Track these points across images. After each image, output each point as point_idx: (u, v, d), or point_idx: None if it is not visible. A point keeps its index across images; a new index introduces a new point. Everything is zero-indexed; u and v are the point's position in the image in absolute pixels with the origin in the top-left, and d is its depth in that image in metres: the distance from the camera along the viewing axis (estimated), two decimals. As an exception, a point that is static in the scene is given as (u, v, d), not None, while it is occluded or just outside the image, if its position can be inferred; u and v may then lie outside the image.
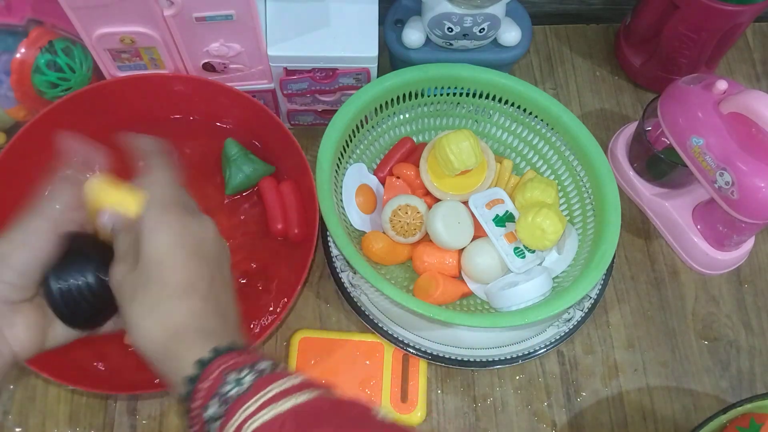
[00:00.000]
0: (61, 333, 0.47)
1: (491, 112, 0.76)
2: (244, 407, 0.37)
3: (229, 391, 0.38)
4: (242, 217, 0.72)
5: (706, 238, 0.74)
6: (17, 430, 0.66)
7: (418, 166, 0.73)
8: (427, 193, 0.73)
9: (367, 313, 0.67)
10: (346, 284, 0.68)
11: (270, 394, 0.38)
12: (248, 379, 0.39)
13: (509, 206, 0.71)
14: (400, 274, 0.72)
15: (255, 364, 0.39)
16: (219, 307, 0.44)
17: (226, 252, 0.48)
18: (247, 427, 0.37)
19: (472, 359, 0.67)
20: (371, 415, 0.39)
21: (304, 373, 0.41)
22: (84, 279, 0.45)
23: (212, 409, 0.38)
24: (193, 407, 0.39)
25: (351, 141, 0.71)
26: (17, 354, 0.44)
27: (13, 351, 0.44)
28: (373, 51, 0.67)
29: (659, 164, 0.74)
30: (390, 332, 0.67)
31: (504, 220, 0.70)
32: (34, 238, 0.44)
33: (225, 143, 0.70)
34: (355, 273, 0.69)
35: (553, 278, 0.70)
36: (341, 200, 0.70)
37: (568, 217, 0.73)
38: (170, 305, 0.42)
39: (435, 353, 0.67)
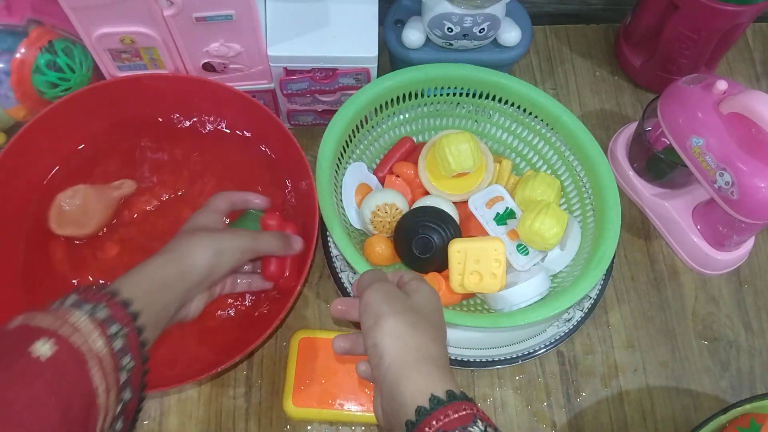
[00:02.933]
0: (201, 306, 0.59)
1: (491, 112, 0.76)
2: None
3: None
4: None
5: (706, 238, 0.74)
6: (17, 430, 0.66)
7: (417, 164, 0.73)
8: (427, 193, 0.73)
9: (367, 313, 0.67)
10: (346, 284, 0.68)
11: None
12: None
13: (509, 203, 0.71)
14: (400, 274, 0.72)
15: (498, 429, 0.43)
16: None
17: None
18: None
19: (472, 359, 0.67)
20: None
21: None
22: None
23: None
24: (431, 424, 0.42)
25: (351, 141, 0.71)
26: (188, 316, 0.57)
27: (189, 315, 0.57)
28: (373, 51, 0.67)
29: (659, 164, 0.74)
30: (390, 332, 0.67)
31: (505, 217, 0.70)
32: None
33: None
34: (355, 273, 0.69)
35: (553, 277, 0.70)
36: (341, 200, 0.70)
37: (568, 217, 0.73)
38: (434, 338, 0.48)
39: (435, 353, 0.67)
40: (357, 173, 0.72)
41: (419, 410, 0.43)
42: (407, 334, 0.47)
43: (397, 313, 0.48)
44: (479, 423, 0.42)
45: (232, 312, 0.67)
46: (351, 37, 0.67)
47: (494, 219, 0.70)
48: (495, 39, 0.73)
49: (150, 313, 0.49)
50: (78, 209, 0.66)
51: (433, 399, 0.43)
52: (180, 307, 0.54)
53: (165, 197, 0.70)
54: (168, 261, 0.53)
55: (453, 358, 0.67)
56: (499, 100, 0.74)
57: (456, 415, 0.42)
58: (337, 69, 0.69)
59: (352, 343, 0.52)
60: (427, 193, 0.73)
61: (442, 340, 0.49)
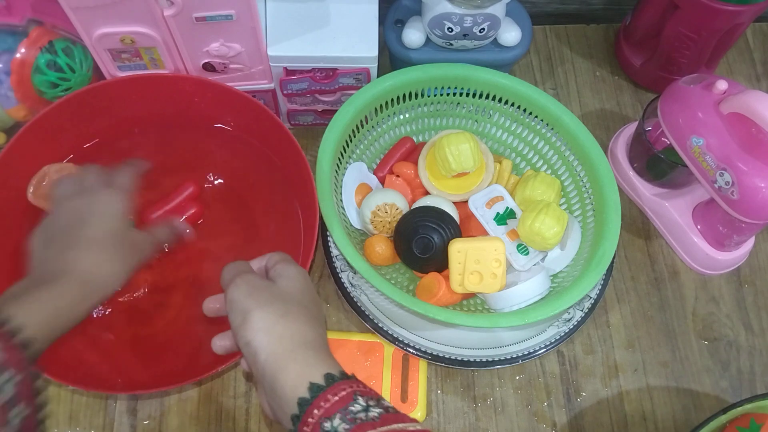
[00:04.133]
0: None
1: (491, 112, 0.76)
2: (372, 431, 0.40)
3: (358, 412, 0.41)
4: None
5: (706, 238, 0.74)
6: (17, 430, 0.66)
7: (417, 164, 0.73)
8: (427, 193, 0.73)
9: (367, 313, 0.67)
10: (346, 284, 0.68)
11: (398, 428, 0.41)
12: (376, 410, 0.42)
13: (509, 202, 0.71)
14: (401, 275, 0.72)
15: (381, 400, 0.43)
16: (329, 349, 0.48)
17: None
18: None
19: (472, 359, 0.67)
20: None
21: (423, 424, 0.45)
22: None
23: (337, 422, 0.41)
24: (313, 413, 0.41)
25: (351, 141, 0.71)
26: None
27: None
28: (373, 51, 0.67)
29: (659, 164, 0.74)
30: (390, 332, 0.67)
31: (505, 217, 0.70)
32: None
33: None
34: (355, 273, 0.69)
35: (554, 277, 0.70)
36: (341, 200, 0.70)
37: (568, 217, 0.73)
38: (306, 323, 0.47)
39: (435, 353, 0.67)
40: (357, 173, 0.72)
41: (300, 402, 0.42)
42: (277, 324, 0.45)
43: (264, 305, 0.46)
44: (360, 399, 0.42)
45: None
46: (351, 37, 0.67)
47: (494, 219, 0.70)
48: (495, 39, 0.73)
49: (46, 341, 0.47)
50: None
51: (312, 387, 0.42)
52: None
53: (164, 196, 0.70)
54: (69, 288, 0.51)
55: (453, 358, 0.67)
56: (499, 100, 0.74)
57: (336, 398, 0.42)
58: (337, 69, 0.69)
59: (230, 340, 0.51)
60: (427, 193, 0.73)
61: (316, 322, 0.48)
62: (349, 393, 0.42)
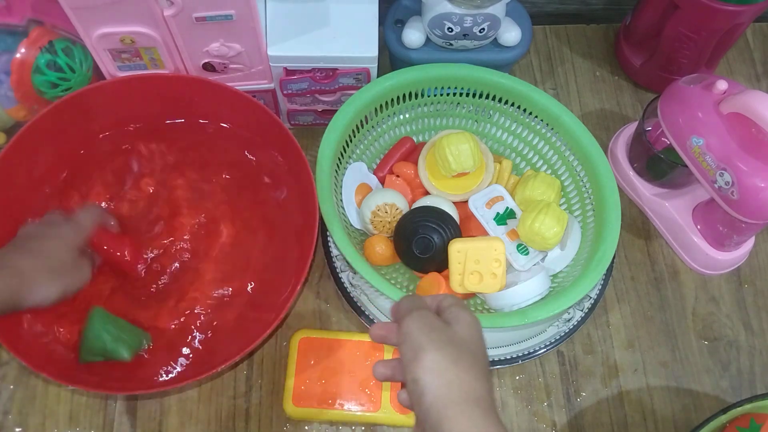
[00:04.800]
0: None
1: (491, 112, 0.76)
2: None
3: None
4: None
5: (706, 238, 0.74)
6: (17, 430, 0.66)
7: (417, 164, 0.73)
8: (427, 193, 0.73)
9: (367, 313, 0.67)
10: (346, 284, 0.68)
11: None
12: None
13: (509, 202, 0.71)
14: (401, 275, 0.72)
15: None
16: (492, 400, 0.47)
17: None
18: None
19: (472, 359, 0.67)
20: None
21: None
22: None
23: None
24: None
25: (351, 141, 0.71)
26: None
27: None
28: (373, 51, 0.67)
29: (659, 164, 0.74)
30: (390, 332, 0.67)
31: (505, 217, 0.70)
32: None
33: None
34: (355, 273, 0.69)
35: (554, 277, 0.70)
36: (341, 200, 0.70)
37: (568, 217, 0.73)
38: (477, 375, 0.45)
39: (435, 353, 0.67)
40: (357, 173, 0.72)
41: None
42: (449, 370, 0.44)
43: (439, 348, 0.44)
44: None
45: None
46: (351, 37, 0.67)
47: (494, 219, 0.70)
48: (495, 39, 0.73)
49: None
50: None
51: None
52: None
53: (164, 196, 0.70)
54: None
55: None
56: (500, 100, 0.74)
57: None
58: (337, 69, 0.69)
59: (393, 370, 0.50)
60: (427, 193, 0.73)
61: (486, 376, 0.46)
62: None
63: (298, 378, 0.66)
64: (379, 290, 0.60)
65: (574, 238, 0.71)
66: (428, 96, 0.74)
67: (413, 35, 0.72)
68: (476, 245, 0.64)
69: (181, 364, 0.64)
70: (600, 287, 0.70)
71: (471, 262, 0.64)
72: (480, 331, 0.49)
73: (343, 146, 0.70)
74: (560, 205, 0.74)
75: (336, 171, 0.69)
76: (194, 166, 0.72)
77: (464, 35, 0.70)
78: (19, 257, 0.57)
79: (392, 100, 0.72)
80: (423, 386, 0.43)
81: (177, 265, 0.68)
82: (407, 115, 0.76)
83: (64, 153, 0.69)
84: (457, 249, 0.64)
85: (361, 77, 0.70)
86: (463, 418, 0.42)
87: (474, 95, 0.74)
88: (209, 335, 0.66)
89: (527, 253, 0.69)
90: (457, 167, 0.68)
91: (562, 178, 0.74)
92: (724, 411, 0.61)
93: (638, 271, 0.76)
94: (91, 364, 0.63)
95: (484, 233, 0.70)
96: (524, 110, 0.74)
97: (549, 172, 0.75)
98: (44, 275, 0.57)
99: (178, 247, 0.68)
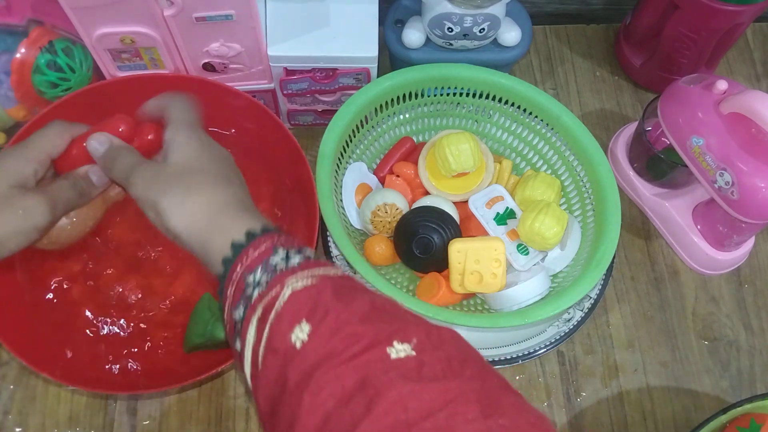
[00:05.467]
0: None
1: (491, 112, 0.76)
2: (288, 279, 0.41)
3: (278, 263, 0.42)
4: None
5: (706, 238, 0.74)
6: (17, 430, 0.66)
7: (417, 164, 0.73)
8: (427, 193, 0.73)
9: (367, 313, 0.67)
10: (346, 284, 0.68)
11: (316, 273, 0.42)
12: (296, 258, 0.43)
13: (509, 203, 0.71)
14: (401, 275, 0.72)
15: (303, 249, 0.44)
16: (250, 204, 0.48)
17: (241, 177, 0.53)
18: (286, 289, 0.41)
19: (472, 359, 0.67)
20: (398, 301, 0.44)
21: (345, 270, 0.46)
22: None
23: (258, 275, 0.42)
24: (236, 270, 0.43)
25: (351, 141, 0.71)
26: (37, 220, 0.49)
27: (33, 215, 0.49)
28: (373, 51, 0.67)
29: (659, 164, 0.74)
30: (390, 332, 0.67)
31: (505, 217, 0.70)
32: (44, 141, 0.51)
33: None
34: (355, 273, 0.68)
35: (554, 277, 0.70)
36: (341, 200, 0.70)
37: (568, 217, 0.73)
38: (213, 188, 0.47)
39: (435, 353, 0.67)
40: (357, 173, 0.72)
41: (224, 261, 0.44)
42: (185, 203, 0.46)
43: (166, 191, 0.46)
44: (279, 251, 0.43)
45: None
46: (351, 37, 0.67)
47: (494, 219, 0.70)
48: (495, 39, 0.73)
49: None
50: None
51: (234, 245, 0.43)
52: None
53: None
54: None
55: (453, 358, 0.67)
56: (500, 100, 0.74)
57: (256, 252, 0.43)
58: (337, 69, 0.69)
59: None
60: (427, 193, 0.73)
61: (223, 182, 0.48)
62: (269, 246, 0.43)
63: (298, 378, 0.66)
64: (379, 290, 0.60)
65: (574, 238, 0.71)
66: (428, 96, 0.74)
67: (413, 35, 0.72)
68: (476, 245, 0.64)
69: (181, 364, 0.64)
70: (600, 287, 0.70)
71: (471, 262, 0.64)
72: (198, 140, 0.49)
73: (343, 146, 0.70)
74: (560, 205, 0.74)
75: (336, 171, 0.69)
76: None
77: (464, 35, 0.70)
78: None
79: (392, 100, 0.72)
80: (176, 233, 0.46)
81: (175, 264, 0.68)
82: (407, 115, 0.76)
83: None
84: (457, 249, 0.64)
85: (361, 77, 0.70)
86: (216, 232, 0.45)
87: (474, 95, 0.74)
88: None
89: (527, 253, 0.69)
90: (457, 167, 0.68)
91: (562, 178, 0.74)
92: (724, 411, 0.61)
93: (638, 271, 0.76)
94: (90, 364, 0.63)
95: (484, 233, 0.70)
96: (524, 110, 0.74)
97: (549, 172, 0.75)
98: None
99: (177, 247, 0.68)
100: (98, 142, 0.52)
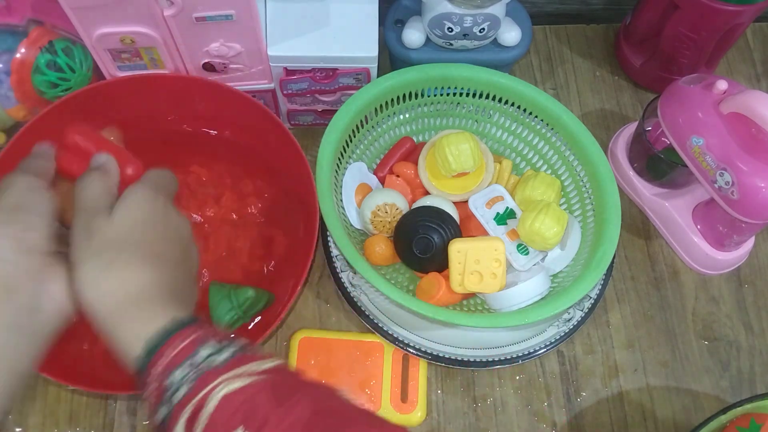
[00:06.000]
0: None
1: (491, 112, 0.76)
2: (218, 378, 0.37)
3: (206, 359, 0.38)
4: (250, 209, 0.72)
5: (706, 238, 0.74)
6: (17, 430, 0.66)
7: (417, 164, 0.73)
8: (427, 193, 0.73)
9: (367, 313, 0.67)
10: (346, 284, 0.68)
11: (249, 370, 0.38)
12: (228, 352, 0.39)
13: (509, 203, 0.71)
14: (401, 275, 0.72)
15: (234, 340, 0.40)
16: (180, 291, 0.44)
17: (196, 255, 0.49)
18: (218, 391, 0.37)
19: (472, 359, 0.67)
20: (341, 395, 0.40)
21: (280, 358, 0.41)
22: None
23: (178, 375, 0.38)
24: (152, 371, 0.39)
25: (351, 141, 0.71)
26: (63, 310, 0.43)
27: (60, 309, 0.43)
28: (373, 51, 0.67)
29: (659, 164, 0.74)
30: (390, 332, 0.67)
31: (505, 217, 0.70)
32: (36, 186, 0.45)
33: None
34: (355, 273, 0.69)
35: (554, 277, 0.70)
36: (341, 200, 0.70)
37: (568, 217, 0.73)
38: (136, 269, 0.42)
39: (435, 353, 0.67)
40: (357, 173, 0.72)
41: (138, 360, 0.40)
42: (101, 277, 0.41)
43: (92, 256, 0.41)
44: (207, 344, 0.39)
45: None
46: (351, 37, 0.67)
47: (494, 219, 0.70)
48: (495, 39, 0.73)
49: None
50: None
51: (148, 342, 0.39)
52: (22, 321, 0.41)
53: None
54: None
55: (453, 358, 0.67)
56: (500, 100, 0.74)
57: (179, 347, 0.39)
58: (337, 69, 0.69)
59: None
60: (427, 193, 0.73)
61: (154, 262, 0.43)
62: (196, 339, 0.39)
63: (298, 378, 0.66)
64: (379, 290, 0.60)
65: (574, 238, 0.71)
66: (428, 96, 0.74)
67: (413, 35, 0.72)
68: (476, 245, 0.64)
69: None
70: (600, 287, 0.70)
71: (471, 262, 0.64)
72: (149, 205, 0.44)
73: (343, 146, 0.70)
74: (560, 205, 0.74)
75: (336, 171, 0.69)
76: (194, 166, 0.72)
77: (464, 35, 0.70)
78: None
79: (392, 100, 0.72)
80: (86, 306, 0.41)
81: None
82: (407, 115, 0.76)
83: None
84: (457, 249, 0.64)
85: (361, 77, 0.70)
86: (128, 322, 0.40)
87: (474, 95, 0.74)
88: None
89: (527, 253, 0.69)
90: (457, 167, 0.68)
91: (562, 178, 0.74)
92: (724, 411, 0.61)
93: (638, 271, 0.76)
94: (91, 364, 0.63)
95: (484, 233, 0.70)
96: (524, 110, 0.74)
97: (549, 172, 0.75)
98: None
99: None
100: (99, 159, 0.48)
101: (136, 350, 0.40)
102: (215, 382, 0.37)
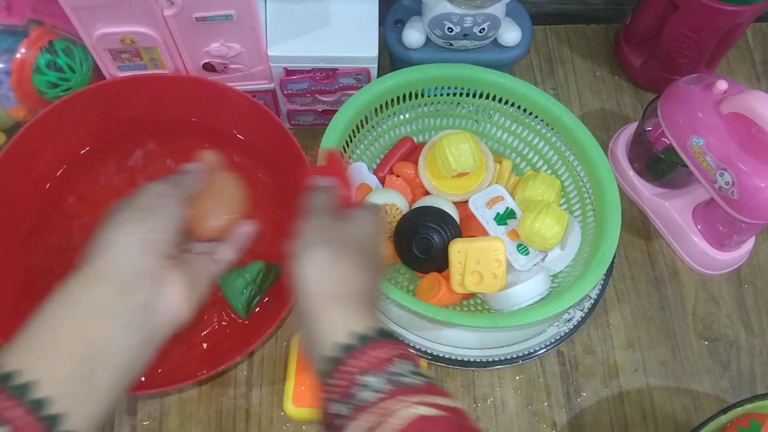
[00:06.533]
0: (204, 287, 0.47)
1: (491, 112, 0.76)
2: (411, 397, 0.38)
3: (398, 375, 0.39)
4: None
5: (706, 238, 0.74)
6: (17, 430, 0.66)
7: (417, 164, 0.73)
8: (427, 193, 0.73)
9: (367, 313, 0.67)
10: (346, 284, 0.68)
11: (439, 402, 0.39)
12: (420, 378, 0.40)
13: (509, 203, 0.71)
14: (401, 275, 0.72)
15: (419, 367, 0.41)
16: (377, 304, 0.47)
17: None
18: (407, 409, 0.37)
19: (472, 359, 0.67)
20: None
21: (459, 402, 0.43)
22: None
23: (373, 379, 0.39)
24: (350, 363, 0.40)
25: (351, 141, 0.71)
26: (178, 316, 0.43)
27: (174, 314, 0.43)
28: (373, 51, 0.67)
29: (659, 164, 0.74)
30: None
31: (505, 217, 0.70)
32: (169, 193, 0.46)
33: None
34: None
35: (554, 277, 0.70)
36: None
37: (568, 217, 0.73)
38: (359, 271, 0.45)
39: (435, 353, 0.67)
40: (357, 174, 0.72)
41: (337, 347, 0.40)
42: (333, 265, 0.44)
43: (326, 244, 0.44)
44: (403, 363, 0.40)
45: (231, 312, 0.67)
46: (351, 37, 0.67)
47: (494, 219, 0.70)
48: (495, 39, 0.73)
49: (60, 373, 0.37)
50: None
51: (353, 335, 0.41)
52: (139, 323, 0.41)
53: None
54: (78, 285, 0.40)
55: (453, 358, 0.67)
56: (500, 100, 0.74)
57: (376, 354, 0.40)
58: (338, 69, 0.69)
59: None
60: (427, 193, 0.73)
61: (373, 276, 0.46)
62: (394, 353, 0.40)
63: (298, 378, 0.66)
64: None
65: (574, 238, 0.71)
66: (428, 96, 0.74)
67: (413, 35, 0.72)
68: (477, 245, 0.64)
69: (182, 364, 0.64)
70: (600, 287, 0.70)
71: (471, 262, 0.64)
72: (377, 233, 0.49)
73: (343, 146, 0.70)
74: (560, 205, 0.74)
75: (336, 171, 0.69)
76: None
77: (464, 35, 0.70)
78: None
79: (392, 100, 0.72)
80: (305, 280, 0.43)
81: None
82: (407, 115, 0.76)
83: (64, 153, 0.69)
84: (458, 249, 0.64)
85: (361, 77, 0.70)
86: (340, 309, 0.42)
87: (474, 95, 0.74)
88: (210, 335, 0.66)
89: (527, 253, 0.69)
90: (457, 167, 0.68)
91: (562, 178, 0.74)
92: (724, 411, 0.61)
93: (638, 271, 0.76)
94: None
95: (484, 233, 0.70)
96: (524, 110, 0.74)
97: (549, 172, 0.75)
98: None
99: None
100: (330, 182, 0.51)
101: (337, 338, 0.41)
102: (408, 400, 0.38)
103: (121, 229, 0.42)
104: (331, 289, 0.43)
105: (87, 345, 0.38)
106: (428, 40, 0.73)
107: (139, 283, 0.41)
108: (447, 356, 0.67)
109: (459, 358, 0.67)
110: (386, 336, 0.42)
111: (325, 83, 0.70)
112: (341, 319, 0.42)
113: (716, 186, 0.66)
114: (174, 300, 0.43)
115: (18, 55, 0.65)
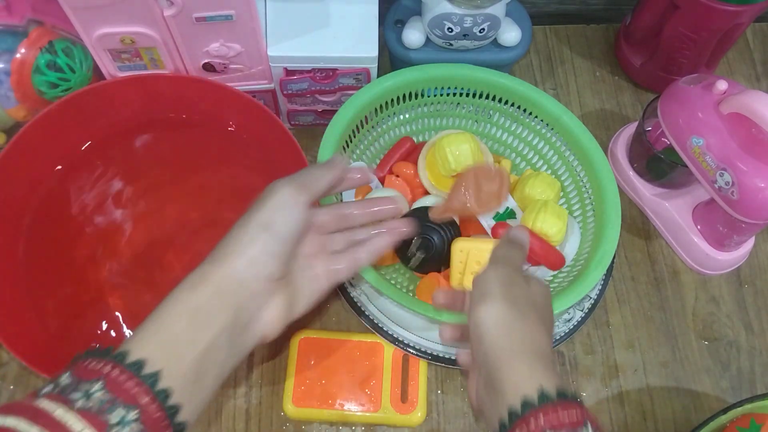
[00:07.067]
0: (300, 309, 0.49)
1: (491, 112, 0.76)
2: None
3: None
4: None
5: (706, 238, 0.74)
6: (17, 430, 0.66)
7: (417, 164, 0.73)
8: (427, 193, 0.73)
9: (367, 313, 0.67)
10: (346, 284, 0.68)
11: None
12: None
13: (509, 203, 0.71)
14: (401, 275, 0.72)
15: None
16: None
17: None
18: None
19: (472, 359, 0.67)
20: None
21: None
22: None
23: None
24: (537, 419, 0.39)
25: (351, 141, 0.71)
26: (266, 336, 0.47)
27: (264, 334, 0.46)
28: (373, 51, 0.67)
29: (659, 164, 0.74)
30: (390, 332, 0.67)
31: (505, 218, 0.70)
32: (293, 204, 0.47)
33: None
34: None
35: (554, 277, 0.70)
36: (341, 200, 0.70)
37: (568, 217, 0.73)
38: (541, 330, 0.45)
39: (435, 353, 0.67)
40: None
41: (524, 403, 0.40)
42: (515, 321, 0.44)
43: (509, 299, 0.45)
44: (589, 427, 0.39)
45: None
46: (351, 37, 0.67)
47: (494, 219, 0.70)
48: (495, 39, 0.73)
49: (179, 369, 0.40)
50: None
51: (542, 393, 0.40)
52: (237, 338, 0.45)
53: (164, 197, 0.70)
54: (197, 283, 0.43)
55: (453, 358, 0.67)
56: (500, 100, 0.74)
57: (565, 414, 0.40)
58: (337, 69, 0.69)
59: (453, 300, 0.51)
60: (427, 193, 0.73)
61: (550, 338, 0.47)
62: (581, 417, 0.40)
63: (298, 378, 0.66)
64: (379, 290, 0.60)
65: (573, 238, 0.71)
66: (428, 96, 0.74)
67: (413, 35, 0.72)
68: (479, 246, 0.64)
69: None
70: (600, 287, 0.70)
71: (473, 263, 0.64)
72: (549, 297, 0.50)
73: (343, 146, 0.70)
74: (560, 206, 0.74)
75: (336, 171, 0.69)
76: (194, 167, 0.72)
77: (464, 35, 0.70)
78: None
79: (392, 100, 0.72)
80: (485, 330, 0.44)
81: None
82: (407, 115, 0.76)
83: (64, 153, 0.69)
84: (460, 248, 0.64)
85: (361, 77, 0.70)
86: (523, 364, 0.42)
87: (474, 95, 0.74)
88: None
89: (527, 253, 0.69)
90: (457, 167, 0.68)
91: (562, 178, 0.74)
92: (724, 411, 0.61)
93: (638, 271, 0.76)
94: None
95: (484, 233, 0.70)
96: (524, 110, 0.74)
97: (549, 172, 0.75)
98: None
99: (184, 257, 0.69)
100: (523, 233, 0.53)
101: (525, 391, 0.41)
102: None
103: (237, 249, 0.44)
104: (512, 342, 0.44)
105: (201, 351, 0.42)
106: (428, 40, 0.73)
107: (244, 307, 0.44)
108: (447, 356, 0.67)
109: (459, 358, 0.67)
110: (574, 398, 0.42)
111: (325, 83, 0.70)
112: (526, 374, 0.42)
113: (716, 186, 0.66)
114: (269, 321, 0.46)
115: (18, 55, 0.65)
